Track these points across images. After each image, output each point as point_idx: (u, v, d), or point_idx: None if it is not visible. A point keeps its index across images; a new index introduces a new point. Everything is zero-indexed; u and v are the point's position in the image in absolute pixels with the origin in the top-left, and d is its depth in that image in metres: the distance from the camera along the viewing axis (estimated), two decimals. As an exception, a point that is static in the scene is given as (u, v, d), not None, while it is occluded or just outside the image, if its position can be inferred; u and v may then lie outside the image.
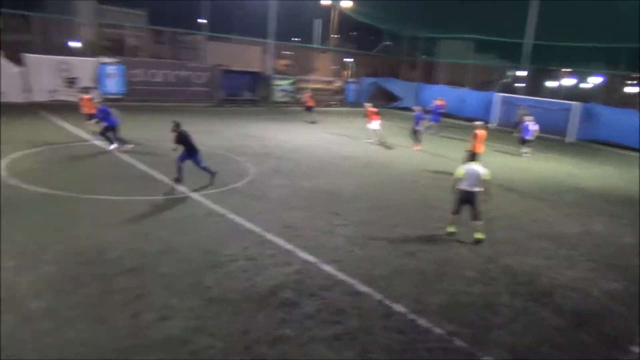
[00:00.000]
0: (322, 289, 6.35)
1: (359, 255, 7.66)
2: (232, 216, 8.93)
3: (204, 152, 12.18)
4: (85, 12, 46.97)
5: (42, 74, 22.51)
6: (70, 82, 23.46)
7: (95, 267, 6.45)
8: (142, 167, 12.14)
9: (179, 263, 6.78)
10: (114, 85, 25.05)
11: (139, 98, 25.38)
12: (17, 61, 22.13)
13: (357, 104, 32.29)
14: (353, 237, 8.40)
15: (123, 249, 7.08)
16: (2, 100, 21.04)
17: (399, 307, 6.01)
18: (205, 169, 11.07)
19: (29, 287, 5.79)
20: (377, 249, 7.98)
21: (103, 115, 13.76)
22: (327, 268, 6.99)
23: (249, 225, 8.53)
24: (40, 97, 22.41)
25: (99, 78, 24.44)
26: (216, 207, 9.38)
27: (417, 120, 18.44)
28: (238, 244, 7.65)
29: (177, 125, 10.71)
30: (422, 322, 5.73)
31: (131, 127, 15.81)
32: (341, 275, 6.78)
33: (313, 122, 23.82)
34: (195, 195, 10.07)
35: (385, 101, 34.20)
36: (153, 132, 16.68)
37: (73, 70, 23.60)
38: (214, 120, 22.71)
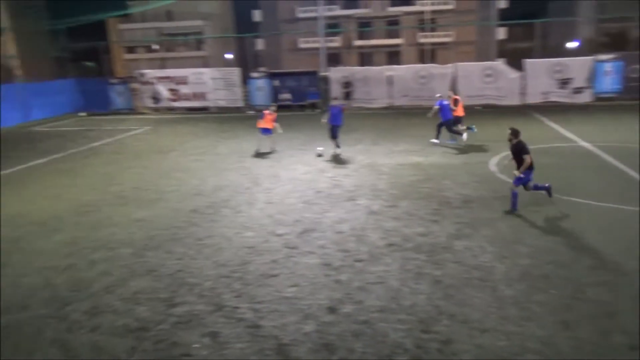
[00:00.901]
0: None
1: None
2: None
3: None
4: (585, 9, 45.74)
5: (537, 77, 23.76)
6: (564, 83, 23.65)
7: (566, 270, 6.37)
8: (634, 173, 10.91)
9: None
10: (608, 83, 23.48)
11: (635, 96, 22.68)
12: (518, 67, 24.30)
13: None
14: None
15: (595, 257, 6.64)
16: (503, 103, 23.75)
17: None
18: (536, 188, 8.85)
19: (504, 274, 6.34)
20: None
21: (441, 110, 14.49)
22: None
23: None
24: (533, 99, 23.76)
25: (594, 77, 23.44)
26: None
27: None
28: None
29: (514, 134, 8.44)
30: None
31: (614, 129, 14.32)
32: None
33: None
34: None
35: None
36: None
37: (567, 71, 23.65)
38: None
